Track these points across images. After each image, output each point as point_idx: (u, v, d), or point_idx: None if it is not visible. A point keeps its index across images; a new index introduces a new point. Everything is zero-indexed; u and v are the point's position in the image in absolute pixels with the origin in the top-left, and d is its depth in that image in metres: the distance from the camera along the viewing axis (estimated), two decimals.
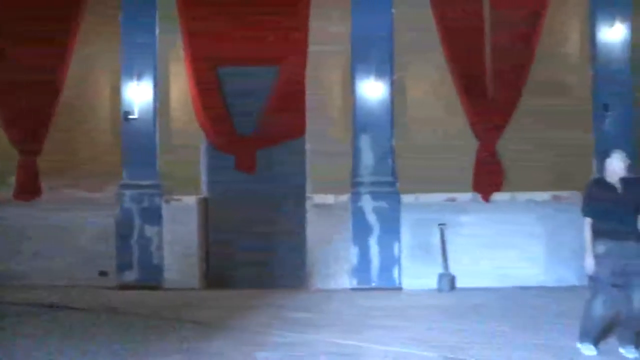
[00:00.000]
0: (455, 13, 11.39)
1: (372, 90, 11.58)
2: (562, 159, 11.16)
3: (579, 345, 7.39)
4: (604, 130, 11.40)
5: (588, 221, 7.24)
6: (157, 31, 12.00)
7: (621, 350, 7.34)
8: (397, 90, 11.69)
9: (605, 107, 11.43)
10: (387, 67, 11.60)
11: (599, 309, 7.25)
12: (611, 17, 11.40)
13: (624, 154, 7.35)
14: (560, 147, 11.20)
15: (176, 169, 11.82)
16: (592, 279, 7.35)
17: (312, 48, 11.56)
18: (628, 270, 7.04)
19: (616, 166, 7.26)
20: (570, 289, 10.90)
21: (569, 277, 11.19)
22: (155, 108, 11.99)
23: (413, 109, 11.77)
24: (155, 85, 12.00)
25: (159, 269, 11.79)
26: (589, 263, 7.18)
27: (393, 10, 11.58)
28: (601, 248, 7.15)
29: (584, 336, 7.39)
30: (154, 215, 11.86)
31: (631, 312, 7.22)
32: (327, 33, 11.59)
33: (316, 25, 11.54)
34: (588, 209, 7.29)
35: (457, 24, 11.40)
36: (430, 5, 11.43)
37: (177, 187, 11.89)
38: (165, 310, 10.01)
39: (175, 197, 11.90)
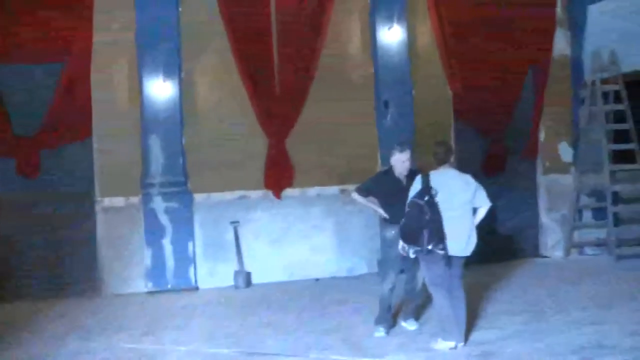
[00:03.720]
0: (241, 9, 11.45)
1: (160, 87, 11.30)
2: (350, 153, 11.62)
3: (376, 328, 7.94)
4: (386, 125, 12.02)
5: (356, 195, 8.15)
6: None
7: (403, 324, 8.13)
8: (186, 87, 11.50)
9: (386, 104, 12.06)
10: (175, 64, 11.36)
11: (389, 289, 7.86)
12: (389, 19, 12.03)
13: (405, 146, 7.97)
14: (347, 143, 11.68)
15: None
16: (381, 262, 7.93)
17: (97, 44, 11.11)
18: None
19: (400, 159, 7.88)
20: (361, 277, 11.44)
21: (359, 266, 11.73)
22: None
23: (203, 106, 11.65)
24: None
25: None
26: (382, 211, 7.97)
27: (180, 8, 11.45)
28: (389, 234, 7.78)
29: (379, 319, 7.94)
30: None
31: (414, 290, 8.06)
32: (112, 28, 11.20)
33: (100, 19, 11.10)
34: (365, 192, 8.12)
35: (243, 23, 11.45)
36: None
37: None
38: None
39: None
